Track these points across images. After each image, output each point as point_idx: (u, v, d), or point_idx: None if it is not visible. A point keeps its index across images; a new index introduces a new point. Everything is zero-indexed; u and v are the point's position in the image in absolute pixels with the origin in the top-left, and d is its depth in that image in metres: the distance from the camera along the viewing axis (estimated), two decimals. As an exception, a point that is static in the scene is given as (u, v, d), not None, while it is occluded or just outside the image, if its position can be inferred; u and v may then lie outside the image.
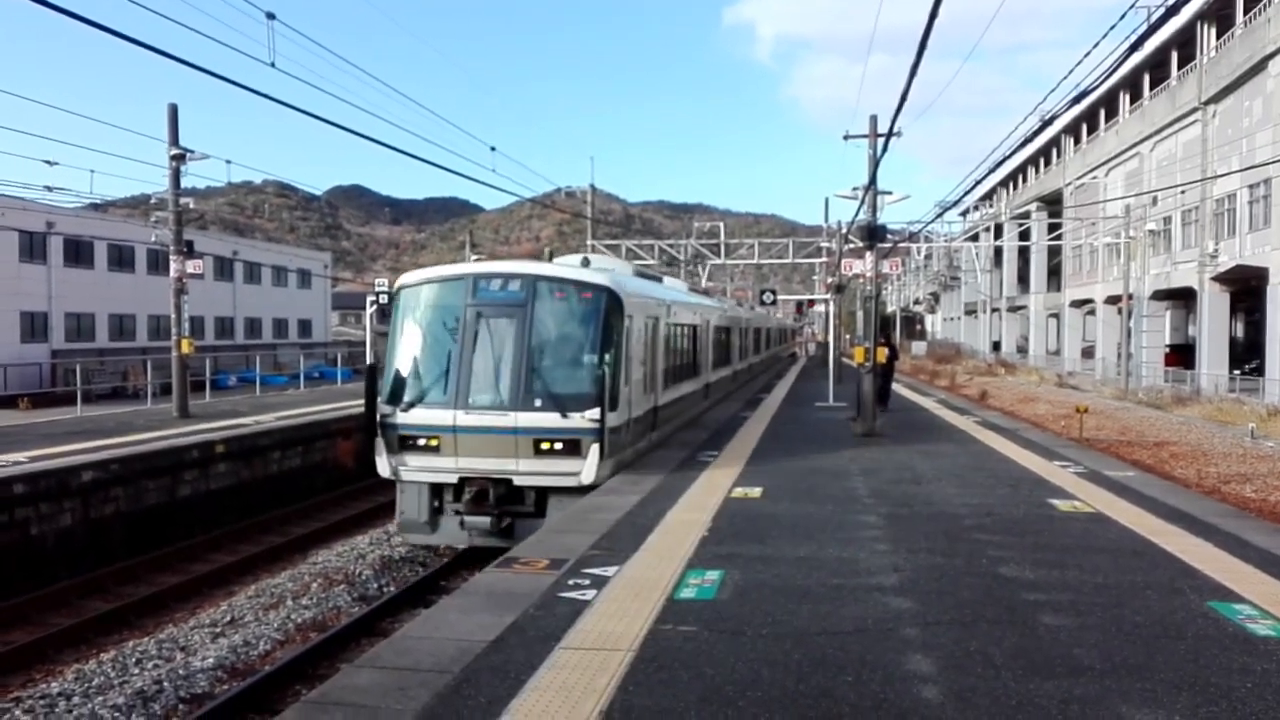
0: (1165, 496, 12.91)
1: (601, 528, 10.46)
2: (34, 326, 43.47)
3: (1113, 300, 51.74)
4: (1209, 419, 31.91)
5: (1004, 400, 40.22)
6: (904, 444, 18.63)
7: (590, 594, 7.93)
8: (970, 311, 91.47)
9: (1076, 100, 14.80)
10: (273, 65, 10.08)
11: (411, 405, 13.38)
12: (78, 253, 45.79)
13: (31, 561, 14.81)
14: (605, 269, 16.14)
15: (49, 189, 26.63)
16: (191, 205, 26.17)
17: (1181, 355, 47.74)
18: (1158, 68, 48.74)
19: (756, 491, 12.85)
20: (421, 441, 13.32)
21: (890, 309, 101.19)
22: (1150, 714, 5.56)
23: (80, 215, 42.69)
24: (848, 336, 55.37)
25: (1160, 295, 49.40)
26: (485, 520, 13.23)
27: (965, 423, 23.28)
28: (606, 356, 13.34)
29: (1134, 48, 12.46)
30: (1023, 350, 74.89)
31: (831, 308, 37.86)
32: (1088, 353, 60.06)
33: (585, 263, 17.12)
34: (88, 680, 10.41)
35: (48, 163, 24.90)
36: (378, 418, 13.42)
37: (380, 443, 13.49)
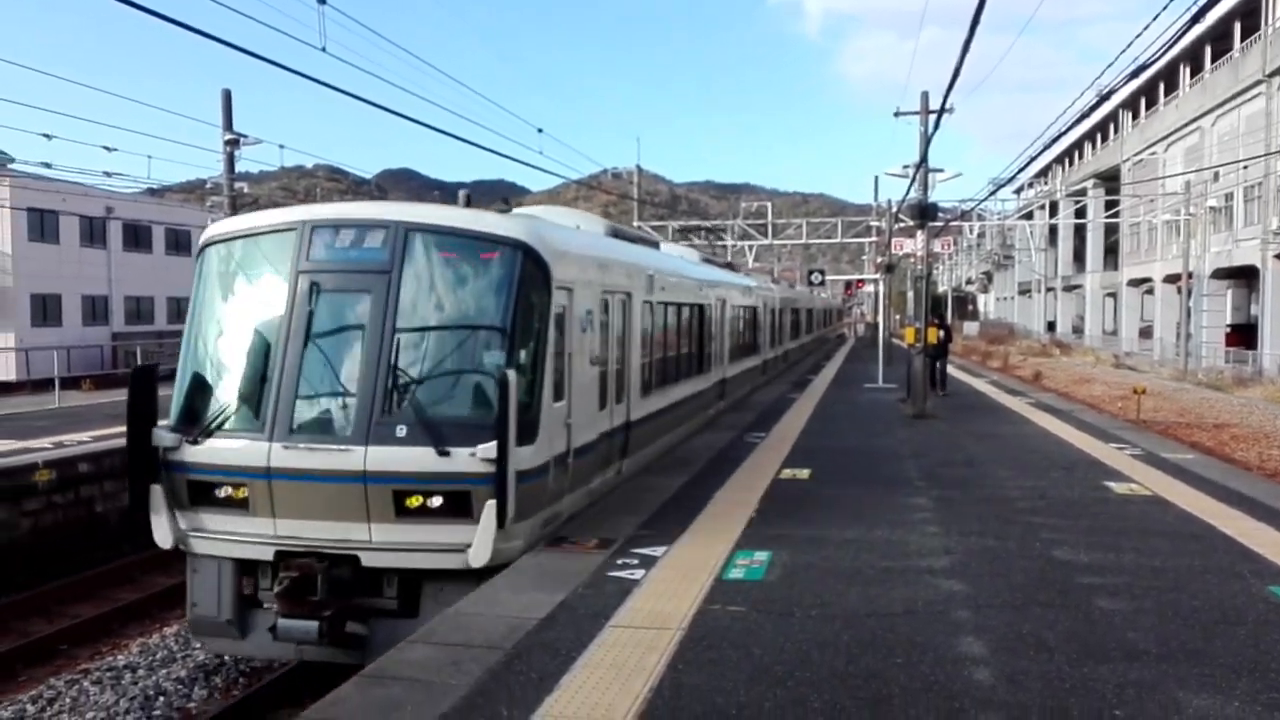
0: (1225, 479, 12.63)
1: (649, 508, 10.50)
2: (95, 310, 44.59)
3: (1172, 279, 50.51)
4: (1272, 400, 31.08)
5: (1058, 381, 39.54)
6: (955, 425, 18.42)
7: (639, 573, 7.99)
8: (1024, 291, 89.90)
9: (1135, 74, 14.41)
10: (324, 50, 10.19)
11: (206, 433, 8.38)
12: (136, 237, 46.80)
13: (96, 536, 15.28)
14: (534, 217, 10.55)
15: (108, 175, 27.33)
16: (245, 189, 26.66)
17: (1243, 335, 46.45)
18: (1220, 39, 47.25)
19: (805, 473, 12.80)
20: (221, 492, 8.34)
21: (941, 289, 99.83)
22: (1208, 699, 5.47)
23: (138, 200, 43.67)
24: (897, 317, 54.79)
25: (1221, 274, 48.07)
26: (310, 626, 8.01)
27: (1018, 404, 22.94)
28: (521, 354, 8.53)
29: (1195, 19, 12.10)
30: (1078, 331, 73.47)
31: (881, 288, 37.46)
32: (1145, 333, 58.74)
33: (506, 205, 12.41)
34: (152, 654, 10.73)
35: (106, 149, 25.50)
36: (152, 451, 8.38)
37: (157, 492, 8.43)
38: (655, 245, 17.35)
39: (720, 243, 53.65)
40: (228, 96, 24.71)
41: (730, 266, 26.54)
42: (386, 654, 6.33)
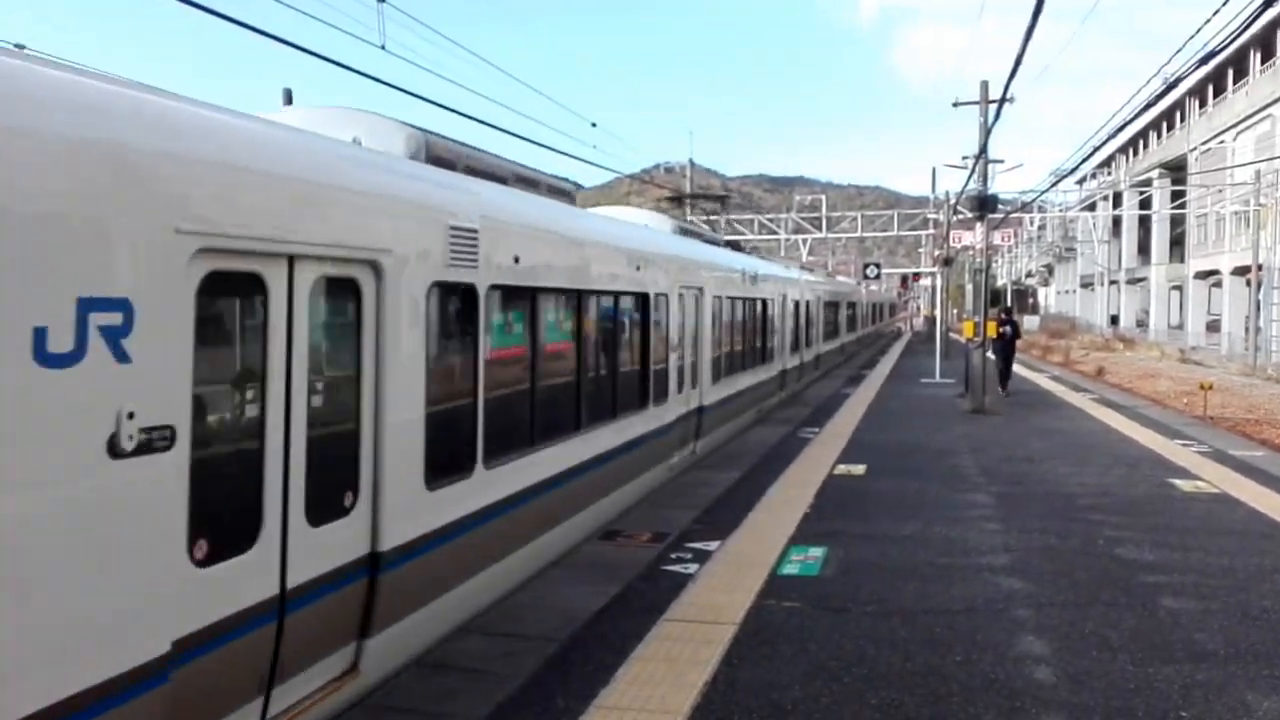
0: (1298, 478, 12.24)
1: (703, 503, 10.49)
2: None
3: (1241, 271, 49.00)
4: (1348, 396, 29.97)
5: (1122, 376, 38.60)
6: (1015, 421, 18.10)
7: (693, 568, 7.98)
8: (1086, 284, 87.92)
9: (1204, 61, 14.00)
10: (383, 48, 10.32)
11: None
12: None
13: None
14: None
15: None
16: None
17: (1317, 329, 44.90)
18: (1295, 23, 45.66)
19: (860, 469, 12.68)
20: None
21: (1000, 282, 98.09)
22: (1278, 702, 5.31)
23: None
24: (955, 311, 53.95)
25: (1294, 265, 46.53)
26: None
27: (1080, 399, 22.46)
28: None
29: (1268, 3, 11.71)
30: (1142, 324, 71.66)
31: (939, 281, 36.92)
32: (1213, 327, 57.08)
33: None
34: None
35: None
36: None
37: None
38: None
39: (773, 236, 53.28)
40: (288, 96, 25.13)
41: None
42: (443, 643, 6.40)
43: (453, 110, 11.87)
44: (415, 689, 5.52)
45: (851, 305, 41.39)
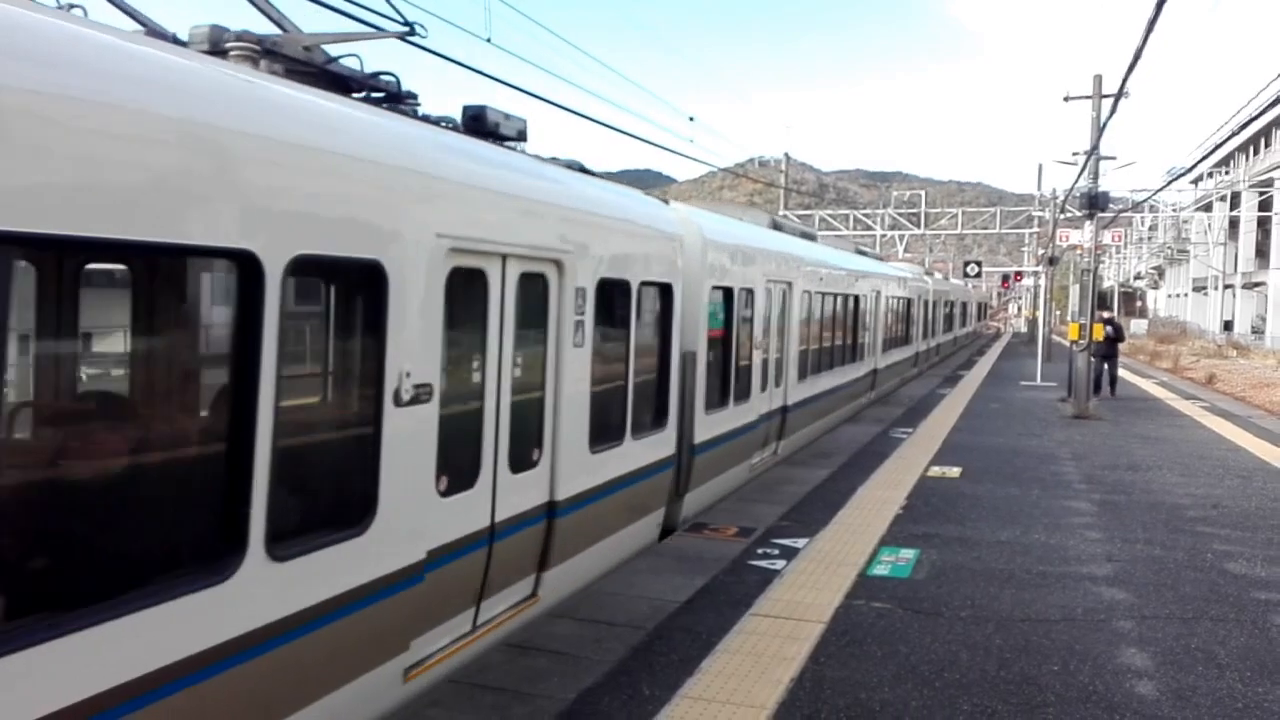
0: None
1: (790, 499, 10.41)
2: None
3: (1372, 277, 46.17)
4: None
5: (1235, 385, 36.83)
6: (1120, 427, 17.45)
7: (780, 564, 7.93)
8: (1199, 288, 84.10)
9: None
10: (489, 41, 10.46)
11: None
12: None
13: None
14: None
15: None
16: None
17: None
18: None
19: (955, 471, 12.40)
20: None
21: (1107, 283, 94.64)
22: (1407, 734, 5.02)
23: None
24: (1058, 313, 52.24)
25: None
26: None
27: (1190, 407, 21.52)
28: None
29: None
30: (1258, 331, 68.19)
31: (1043, 281, 35.79)
32: (1338, 335, 53.99)
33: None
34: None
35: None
36: None
37: None
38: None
39: (868, 233, 52.44)
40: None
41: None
42: (530, 627, 6.50)
43: (555, 104, 11.98)
44: (505, 669, 5.62)
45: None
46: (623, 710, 5.11)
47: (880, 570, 7.83)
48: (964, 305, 48.80)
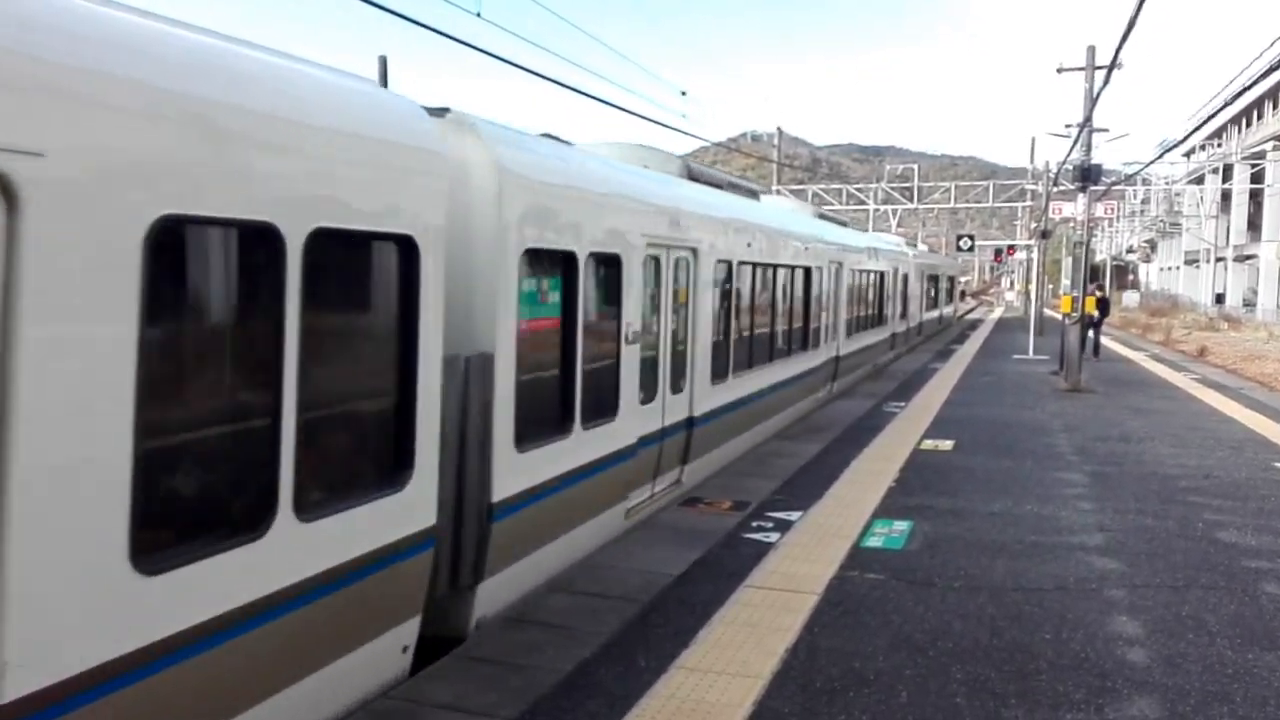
0: None
1: (784, 473, 10.44)
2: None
3: (1363, 249, 46.28)
4: None
5: (1226, 357, 36.99)
6: (1112, 400, 17.52)
7: (774, 537, 7.97)
8: (1191, 261, 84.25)
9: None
10: (479, 15, 10.37)
11: None
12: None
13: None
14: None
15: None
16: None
17: None
18: None
19: (948, 444, 12.45)
20: None
21: (1100, 257, 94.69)
22: (1394, 697, 5.08)
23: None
24: (1050, 287, 52.25)
25: None
26: None
27: (1181, 379, 21.62)
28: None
29: None
30: (1249, 304, 68.41)
31: (1036, 255, 35.81)
32: (1329, 307, 54.17)
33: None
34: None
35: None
36: None
37: None
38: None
39: (861, 207, 52.31)
40: (384, 63, 25.48)
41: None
42: (527, 599, 6.52)
43: (547, 78, 11.89)
44: (501, 641, 5.65)
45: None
46: (619, 681, 5.14)
47: (874, 542, 7.87)
48: (951, 280, 45.90)
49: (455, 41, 10.85)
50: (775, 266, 12.93)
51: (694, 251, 9.63)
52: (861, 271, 19.43)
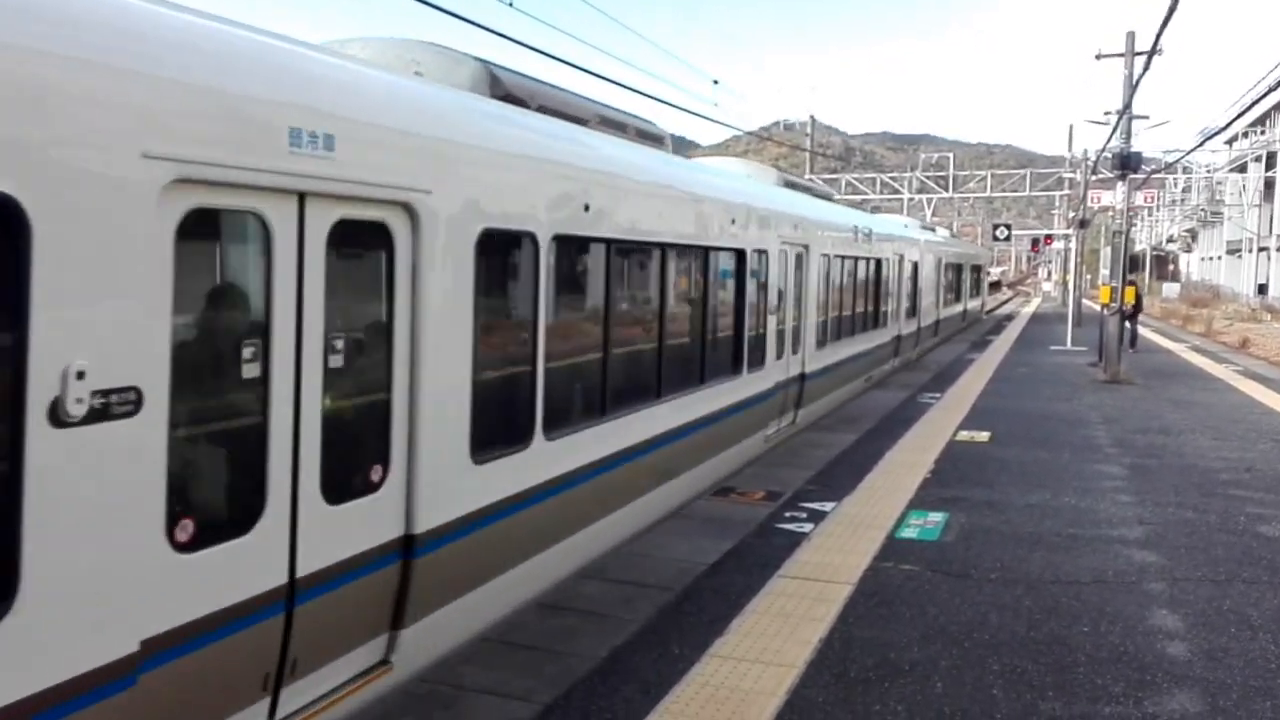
0: None
1: (817, 464, 10.41)
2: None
3: None
4: None
5: (1269, 349, 36.29)
6: (1151, 391, 17.27)
7: (807, 527, 7.95)
8: (1233, 251, 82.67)
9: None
10: (511, 5, 10.38)
11: None
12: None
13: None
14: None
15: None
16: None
17: None
18: None
19: (984, 436, 12.34)
20: None
21: (1139, 247, 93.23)
22: None
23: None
24: (1088, 277, 51.56)
25: None
26: None
27: (1223, 371, 21.26)
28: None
29: None
30: (1295, 294, 67.01)
31: (1074, 244, 35.32)
32: (1377, 298, 52.97)
33: None
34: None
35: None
36: None
37: None
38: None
39: (895, 196, 51.88)
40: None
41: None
42: (559, 586, 6.56)
43: (579, 68, 11.90)
44: (536, 628, 5.70)
45: (977, 269, 36.89)
46: (653, 668, 5.17)
47: (908, 533, 7.83)
48: (977, 270, 38.27)
49: (488, 31, 10.88)
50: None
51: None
52: (843, 259, 14.98)
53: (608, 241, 7.21)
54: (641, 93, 15.86)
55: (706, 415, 9.24)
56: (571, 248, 6.85)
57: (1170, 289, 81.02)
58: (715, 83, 23.14)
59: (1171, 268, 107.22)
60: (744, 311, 10.38)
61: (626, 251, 7.81)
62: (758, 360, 10.83)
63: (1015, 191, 53.79)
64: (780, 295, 11.60)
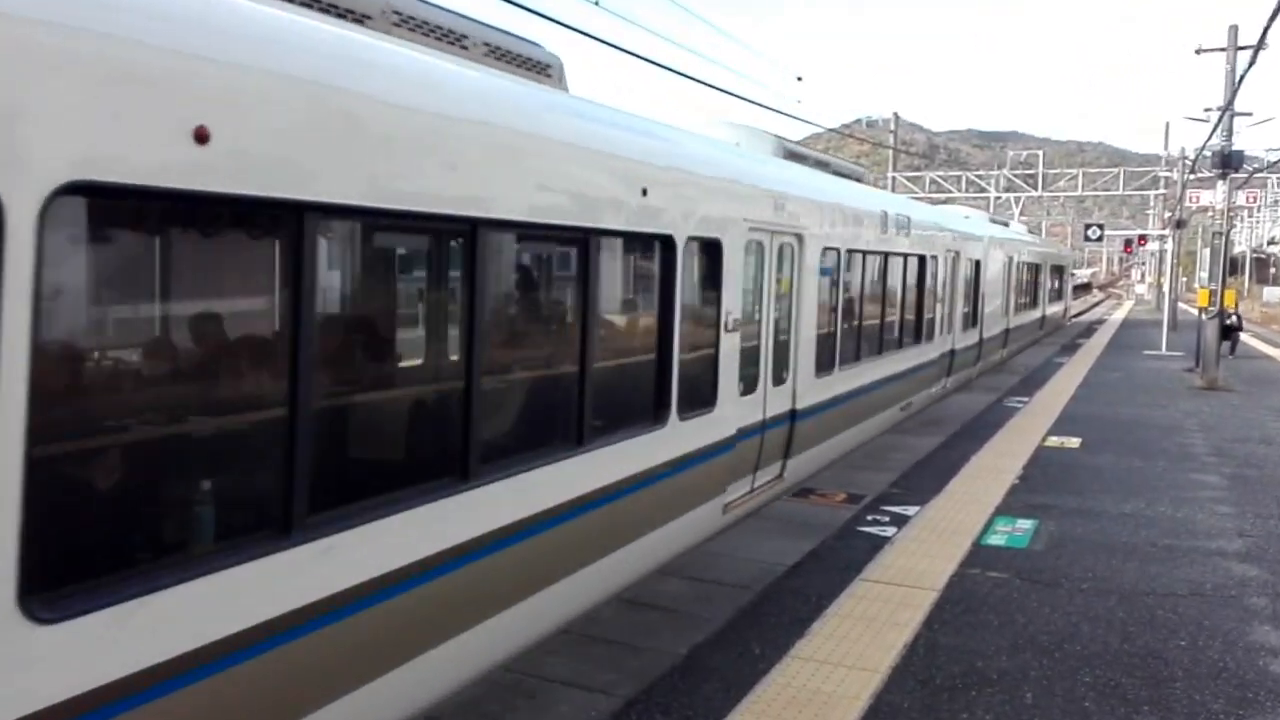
0: None
1: (899, 467, 10.24)
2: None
3: None
4: None
5: (1382, 357, 34.50)
6: (1251, 399, 16.58)
7: (890, 531, 7.84)
8: (1342, 253, 78.69)
9: None
10: (597, 4, 10.45)
11: None
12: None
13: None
14: None
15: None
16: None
17: None
18: None
19: (1074, 442, 11.99)
20: None
21: (1239, 249, 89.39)
22: None
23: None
24: (1184, 279, 49.67)
25: None
26: None
27: (1331, 380, 20.28)
28: None
29: None
30: None
31: (1170, 245, 34.06)
32: None
33: None
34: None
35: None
36: None
37: None
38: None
39: (981, 194, 50.71)
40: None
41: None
42: (639, 583, 6.57)
43: (665, 67, 11.93)
44: (616, 622, 5.73)
45: (1059, 270, 32.87)
46: (733, 667, 5.16)
47: (996, 540, 7.66)
48: (1059, 271, 33.41)
49: (574, 32, 10.98)
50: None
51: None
52: (864, 254, 11.38)
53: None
54: (724, 90, 15.82)
55: (581, 498, 5.78)
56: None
57: (1271, 293, 77.46)
58: (799, 79, 22.90)
59: (1273, 270, 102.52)
60: (669, 331, 6.78)
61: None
62: (698, 401, 7.24)
63: (1107, 191, 52.11)
64: (755, 303, 8.43)
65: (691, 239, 7.04)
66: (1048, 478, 9.92)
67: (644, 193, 6.32)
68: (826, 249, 9.95)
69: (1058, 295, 33.66)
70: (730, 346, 7.73)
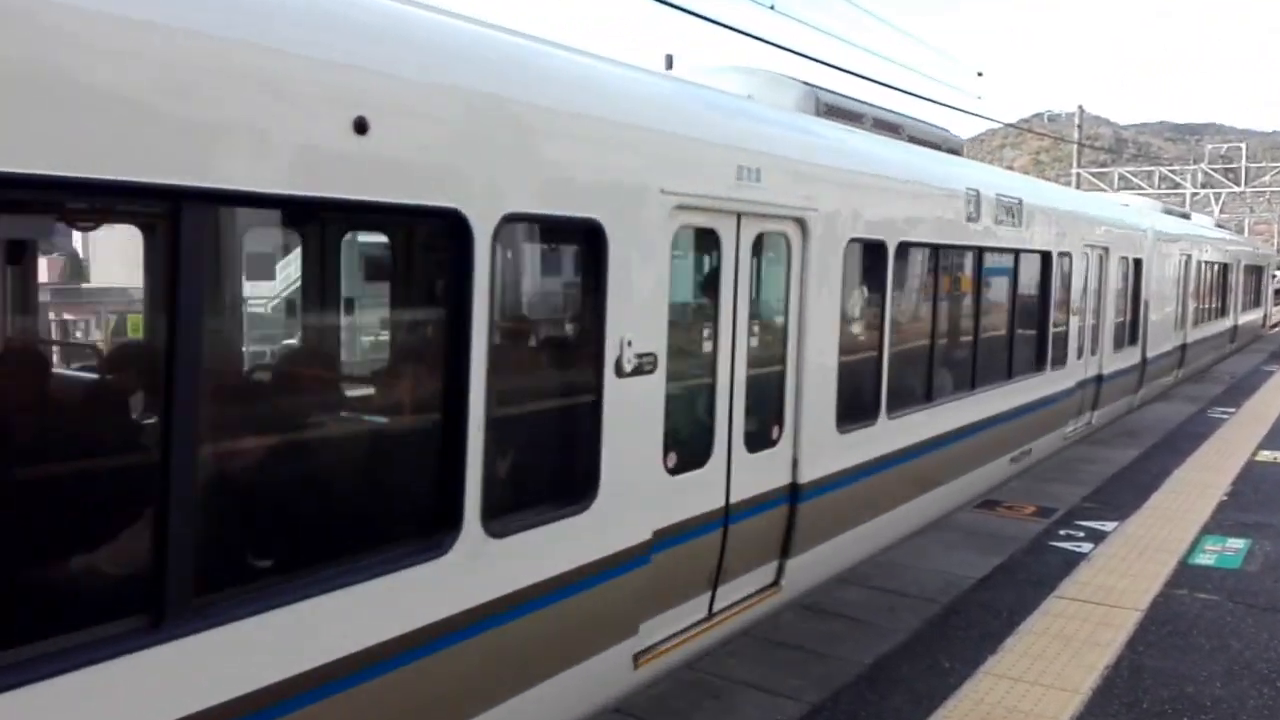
0: None
1: (1094, 480, 9.73)
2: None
3: None
4: None
5: None
6: None
7: (1085, 547, 7.46)
8: None
9: None
10: (772, 8, 10.45)
11: None
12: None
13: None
14: None
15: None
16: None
17: None
18: None
19: (1289, 456, 11.06)
20: None
21: None
22: None
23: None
24: None
25: None
26: None
27: None
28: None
29: None
30: None
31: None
32: None
33: None
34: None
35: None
36: None
37: None
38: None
39: (1176, 191, 47.40)
40: (669, 61, 26.25)
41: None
42: (818, 589, 6.51)
43: (838, 68, 11.79)
44: (799, 629, 5.71)
45: (1256, 271, 28.17)
46: (922, 680, 5.05)
47: (1204, 560, 7.17)
48: (1258, 274, 29.07)
49: (747, 36, 11.00)
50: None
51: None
52: (935, 248, 8.41)
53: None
54: (901, 89, 15.46)
55: None
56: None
57: None
58: (979, 75, 22.14)
59: None
60: (460, 380, 3.91)
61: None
62: (553, 494, 4.58)
63: (1324, 184, 47.67)
64: (701, 325, 5.67)
65: (512, 219, 4.07)
66: (1260, 495, 9.19)
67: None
68: (856, 241, 6.86)
69: (1254, 301, 29.23)
70: (627, 398, 4.69)
